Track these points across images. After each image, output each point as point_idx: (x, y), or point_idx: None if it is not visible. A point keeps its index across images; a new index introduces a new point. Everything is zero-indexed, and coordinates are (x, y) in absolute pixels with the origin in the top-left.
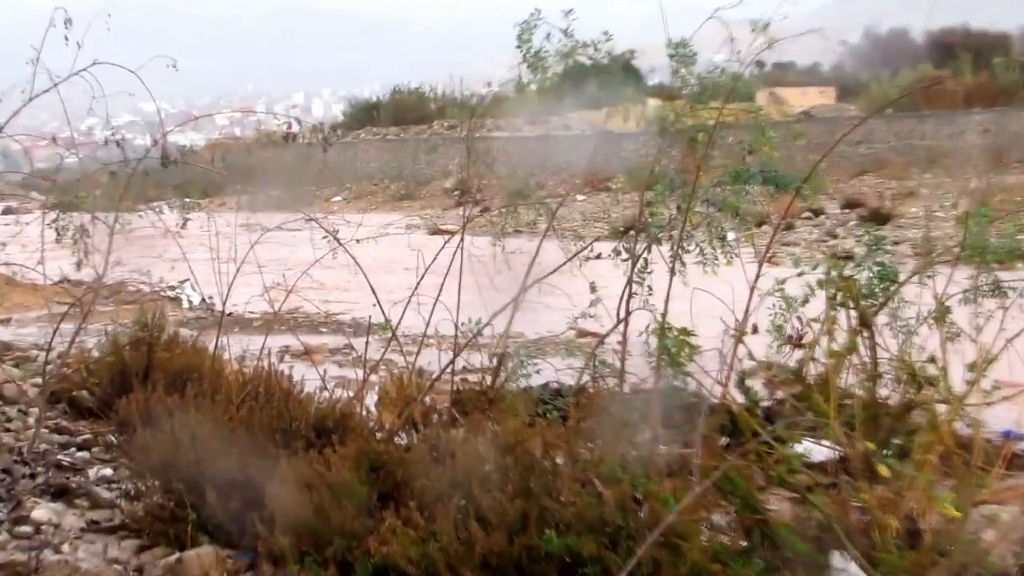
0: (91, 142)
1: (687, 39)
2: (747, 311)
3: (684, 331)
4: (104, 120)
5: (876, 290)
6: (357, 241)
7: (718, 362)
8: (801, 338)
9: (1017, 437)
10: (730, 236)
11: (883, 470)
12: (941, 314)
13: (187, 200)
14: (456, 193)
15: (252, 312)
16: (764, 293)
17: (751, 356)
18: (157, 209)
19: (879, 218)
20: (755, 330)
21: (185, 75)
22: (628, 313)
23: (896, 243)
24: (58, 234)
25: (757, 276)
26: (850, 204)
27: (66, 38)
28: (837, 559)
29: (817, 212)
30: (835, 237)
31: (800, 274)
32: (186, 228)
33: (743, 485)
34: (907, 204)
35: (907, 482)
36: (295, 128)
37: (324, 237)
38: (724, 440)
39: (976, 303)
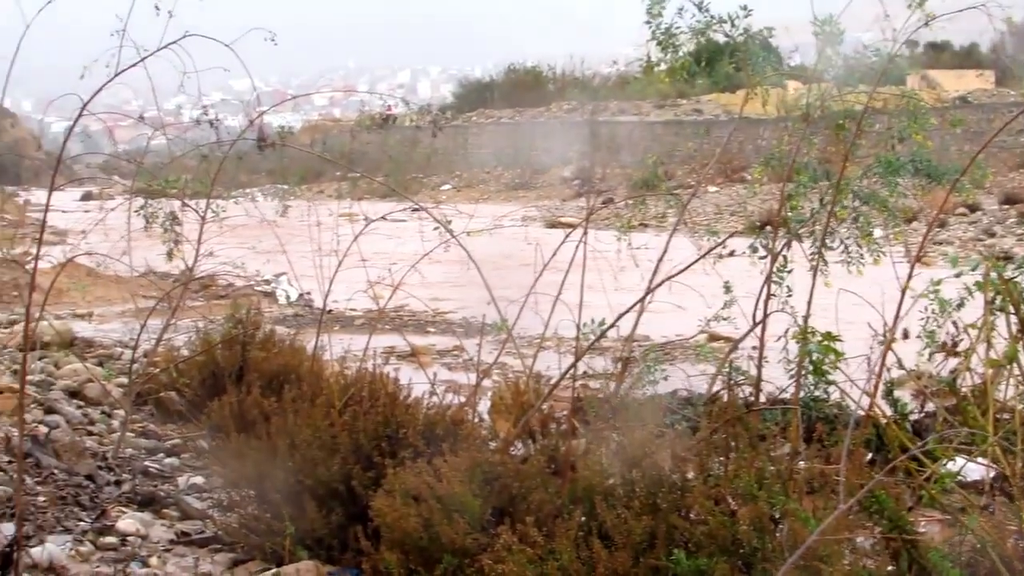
0: (179, 122)
1: (834, 15)
2: (897, 315)
3: (829, 336)
4: (195, 98)
5: None
6: (468, 234)
7: (864, 371)
8: (956, 345)
9: None
10: (877, 233)
11: None
12: None
13: (284, 187)
14: (576, 183)
15: (354, 309)
16: (915, 295)
17: (900, 364)
18: (250, 196)
19: None
20: (905, 335)
21: (281, 50)
22: (765, 315)
23: None
24: (147, 222)
25: (909, 277)
26: (1009, 200)
27: (157, 8)
28: None
29: (973, 208)
30: (992, 236)
31: (958, 275)
32: (286, 216)
33: (891, 504)
34: None
35: None
36: (394, 109)
37: (435, 228)
38: (869, 456)
39: None
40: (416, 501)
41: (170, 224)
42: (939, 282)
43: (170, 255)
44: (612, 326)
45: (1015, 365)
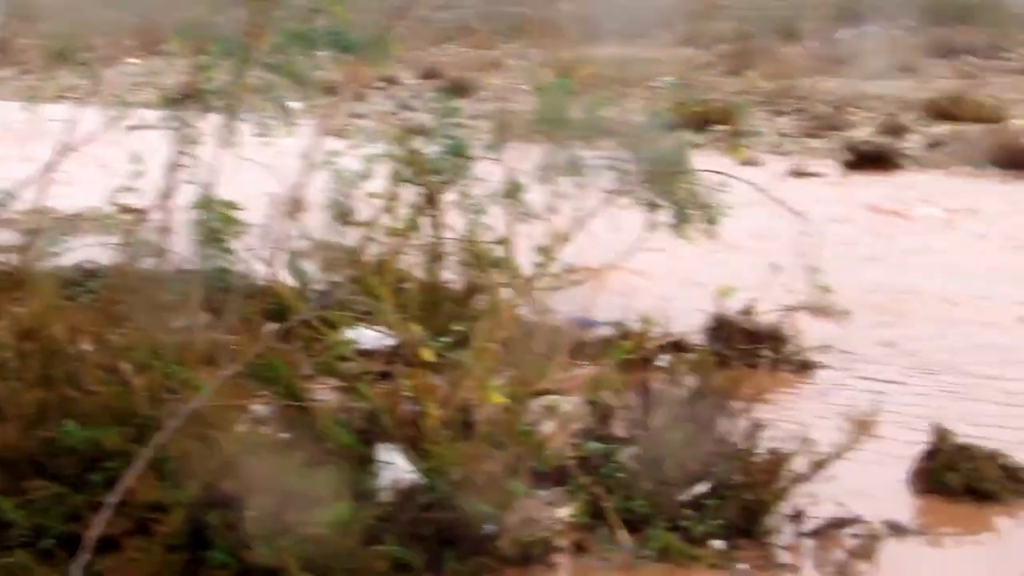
0: None
1: None
2: (297, 185)
3: (227, 204)
4: None
5: (446, 166)
6: None
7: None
8: (364, 217)
9: (586, 324)
10: (296, 106)
11: (427, 355)
12: (511, 192)
13: None
14: None
15: None
16: (320, 167)
17: (308, 236)
18: None
19: (458, 90)
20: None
21: None
22: (173, 187)
23: (475, 117)
24: None
25: (312, 148)
26: (428, 74)
27: None
28: (383, 451)
29: (391, 81)
30: (410, 109)
31: (355, 147)
32: None
33: (284, 371)
34: (491, 76)
35: (463, 371)
36: None
37: None
38: (276, 326)
39: (552, 182)
40: None
41: None
42: (336, 153)
43: None
44: (12, 197)
45: (418, 235)
